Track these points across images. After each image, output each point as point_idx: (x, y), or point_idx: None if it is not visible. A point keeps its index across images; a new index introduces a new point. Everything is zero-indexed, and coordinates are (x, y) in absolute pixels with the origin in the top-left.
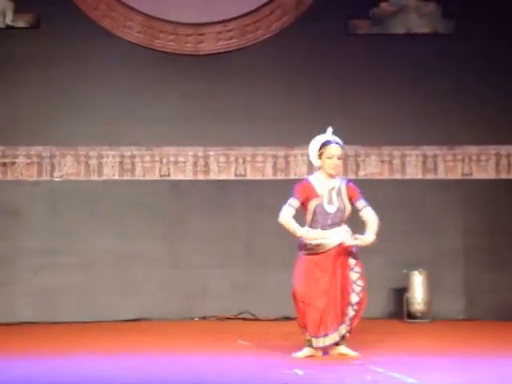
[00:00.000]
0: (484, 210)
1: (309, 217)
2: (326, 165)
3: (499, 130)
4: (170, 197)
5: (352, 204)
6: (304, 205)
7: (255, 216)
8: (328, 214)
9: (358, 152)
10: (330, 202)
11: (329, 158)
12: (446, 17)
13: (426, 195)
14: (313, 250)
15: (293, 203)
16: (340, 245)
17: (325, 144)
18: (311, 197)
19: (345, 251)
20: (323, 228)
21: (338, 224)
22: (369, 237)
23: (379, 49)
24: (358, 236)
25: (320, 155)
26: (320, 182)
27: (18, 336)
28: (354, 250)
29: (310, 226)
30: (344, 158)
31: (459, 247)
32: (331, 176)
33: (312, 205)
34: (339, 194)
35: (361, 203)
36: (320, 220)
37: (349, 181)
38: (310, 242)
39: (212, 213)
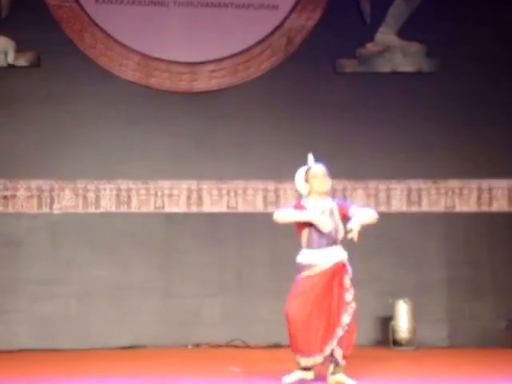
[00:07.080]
0: (466, 242)
1: (304, 238)
2: (313, 185)
3: (481, 165)
4: (164, 228)
5: (347, 218)
6: (298, 228)
7: (246, 246)
8: (322, 233)
9: (345, 186)
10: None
11: (314, 177)
12: (430, 56)
13: (411, 227)
14: (310, 270)
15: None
16: (336, 264)
17: (308, 169)
18: None
19: (341, 271)
20: (319, 247)
21: (334, 244)
22: (354, 222)
23: (365, 86)
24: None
25: (306, 180)
26: (312, 205)
27: (18, 363)
28: (349, 269)
29: (307, 247)
30: (332, 191)
31: (442, 277)
32: (321, 195)
33: (306, 225)
34: (331, 214)
35: (353, 208)
36: (316, 239)
37: (338, 201)
38: (323, 228)
39: (205, 244)
